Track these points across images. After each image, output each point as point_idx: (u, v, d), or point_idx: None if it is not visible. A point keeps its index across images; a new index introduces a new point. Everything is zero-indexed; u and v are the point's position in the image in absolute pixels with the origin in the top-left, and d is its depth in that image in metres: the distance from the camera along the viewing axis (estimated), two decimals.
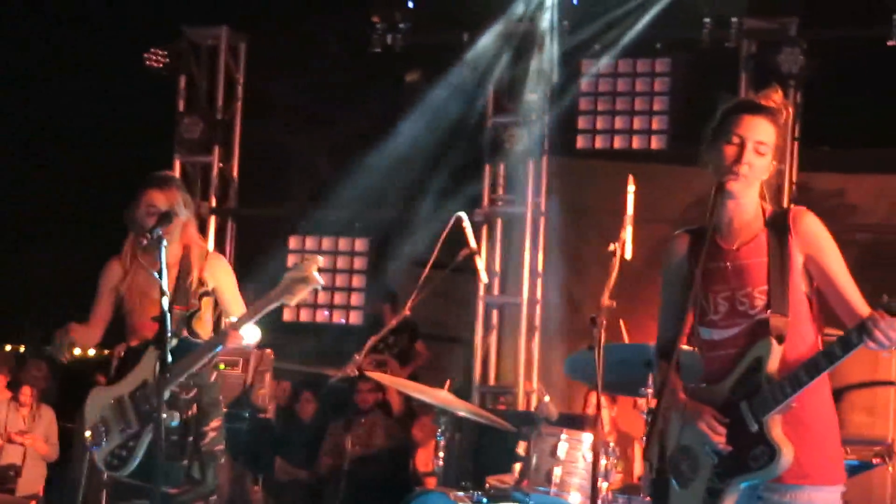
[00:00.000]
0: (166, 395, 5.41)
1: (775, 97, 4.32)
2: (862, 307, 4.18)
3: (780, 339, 4.15)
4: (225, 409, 6.11)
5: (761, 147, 4.23)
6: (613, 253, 5.65)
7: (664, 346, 4.39)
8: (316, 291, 5.55)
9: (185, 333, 5.66)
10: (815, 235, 4.25)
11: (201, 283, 5.77)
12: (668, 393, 4.22)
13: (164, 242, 5.25)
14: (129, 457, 5.64)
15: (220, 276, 5.84)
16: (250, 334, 5.66)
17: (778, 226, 4.26)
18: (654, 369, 4.64)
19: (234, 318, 5.60)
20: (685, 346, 4.36)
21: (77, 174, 11.41)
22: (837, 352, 4.02)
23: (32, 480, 10.16)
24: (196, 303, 5.73)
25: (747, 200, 4.31)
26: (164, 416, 5.30)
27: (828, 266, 4.23)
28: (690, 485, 4.23)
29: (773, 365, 4.14)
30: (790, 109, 4.40)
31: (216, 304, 5.88)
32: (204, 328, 5.76)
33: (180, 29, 11.10)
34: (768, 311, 4.19)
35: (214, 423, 5.82)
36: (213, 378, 5.88)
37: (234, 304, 5.79)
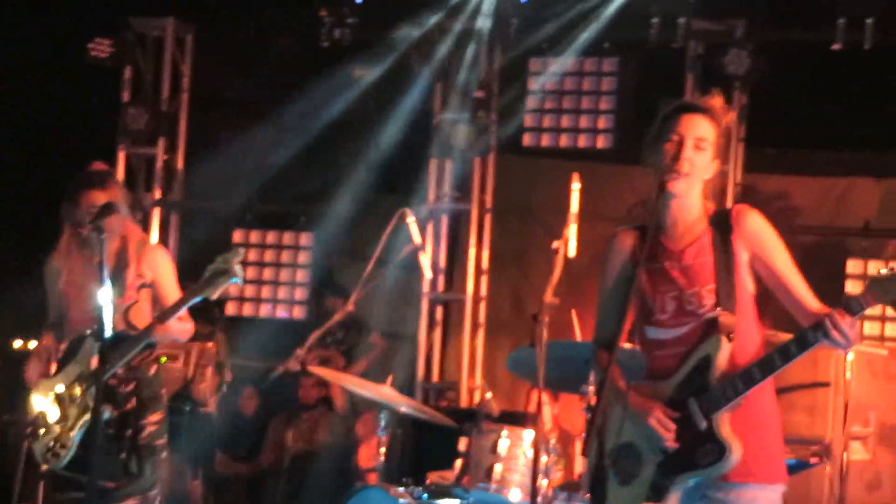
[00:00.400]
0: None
1: (715, 102, 4.35)
2: (812, 303, 4.20)
3: (730, 337, 4.16)
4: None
5: (701, 143, 4.25)
6: (557, 250, 5.68)
7: (604, 342, 4.39)
8: (236, 286, 5.59)
9: (122, 326, 5.62)
10: (758, 233, 4.26)
11: (139, 275, 5.75)
12: (609, 387, 4.22)
13: (105, 234, 5.23)
14: (63, 449, 5.61)
15: (159, 267, 5.83)
16: (179, 328, 5.67)
17: (721, 225, 4.28)
18: (592, 366, 4.65)
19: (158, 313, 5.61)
20: (625, 344, 4.36)
21: (18, 165, 11.27)
22: (793, 350, 4.05)
23: None
24: (134, 295, 5.72)
25: (691, 201, 4.32)
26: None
27: (773, 263, 4.24)
28: (633, 481, 4.23)
29: (722, 362, 4.15)
30: (732, 113, 4.43)
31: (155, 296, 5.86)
32: (142, 320, 5.73)
33: (126, 19, 11.00)
34: (717, 308, 4.19)
35: (154, 417, 5.80)
36: (152, 371, 5.86)
37: (172, 296, 5.78)
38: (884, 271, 3.94)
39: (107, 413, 5.50)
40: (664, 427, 4.16)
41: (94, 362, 5.29)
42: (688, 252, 4.28)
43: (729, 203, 9.49)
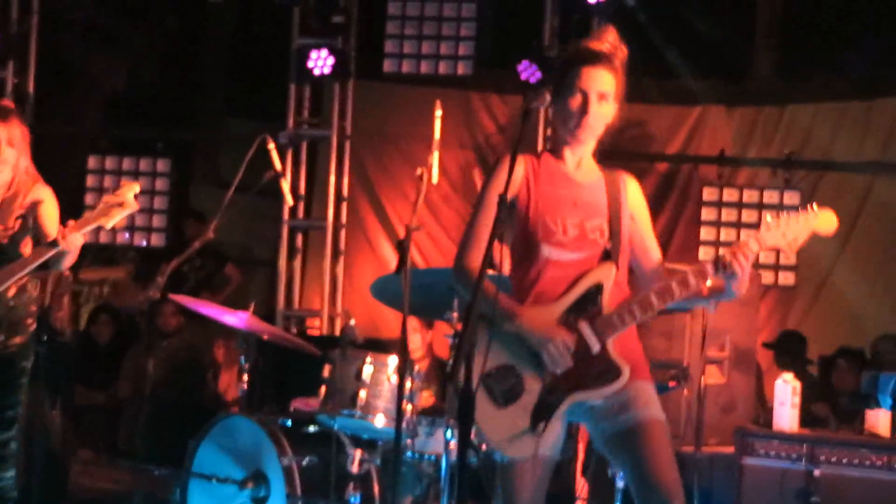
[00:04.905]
0: None
1: (609, 38, 4.46)
2: (657, 256, 4.50)
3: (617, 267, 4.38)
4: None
5: (604, 96, 4.39)
6: (420, 177, 5.67)
7: (480, 265, 4.38)
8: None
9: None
10: (639, 203, 4.51)
11: (21, 206, 5.85)
12: (485, 309, 4.27)
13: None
14: None
15: (43, 205, 5.90)
16: (74, 251, 5.77)
17: (613, 178, 4.49)
18: (460, 287, 4.59)
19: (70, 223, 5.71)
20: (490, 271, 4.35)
21: None
22: (692, 281, 4.24)
23: None
24: (14, 224, 5.79)
25: (591, 145, 4.48)
26: None
27: (643, 230, 4.50)
28: (513, 402, 4.29)
29: (610, 290, 4.34)
30: (624, 48, 4.52)
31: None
32: (23, 251, 5.81)
33: None
34: (610, 242, 4.38)
35: (16, 340, 5.85)
36: (11, 294, 5.87)
37: (53, 232, 5.86)
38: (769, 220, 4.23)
39: None
40: (565, 350, 4.24)
41: None
42: (588, 187, 4.45)
43: None
